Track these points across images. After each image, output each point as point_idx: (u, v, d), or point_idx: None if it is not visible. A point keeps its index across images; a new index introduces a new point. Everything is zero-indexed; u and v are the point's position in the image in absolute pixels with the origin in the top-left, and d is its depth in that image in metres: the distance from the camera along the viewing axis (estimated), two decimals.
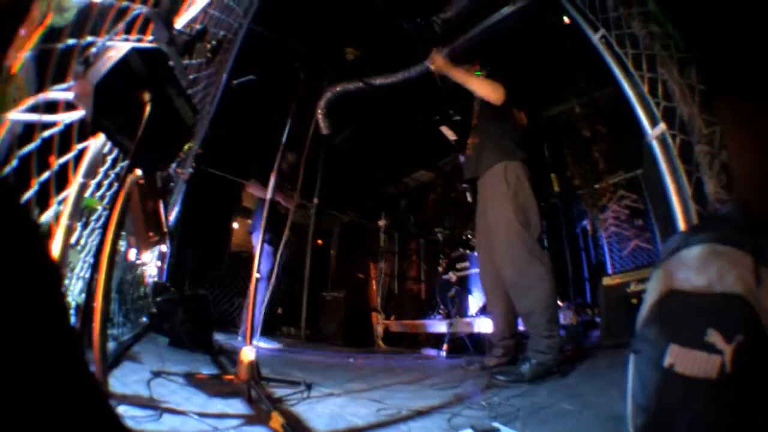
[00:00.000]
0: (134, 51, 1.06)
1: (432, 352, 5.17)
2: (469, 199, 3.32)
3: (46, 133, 1.41)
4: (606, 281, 3.79)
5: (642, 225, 5.44)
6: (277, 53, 4.53)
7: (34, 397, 0.64)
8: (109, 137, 1.16)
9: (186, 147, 3.16)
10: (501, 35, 5.39)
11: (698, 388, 1.14)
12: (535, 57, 5.95)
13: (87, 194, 1.73)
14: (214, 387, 2.31)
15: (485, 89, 3.16)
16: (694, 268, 1.28)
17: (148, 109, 1.09)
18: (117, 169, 2.11)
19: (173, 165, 3.01)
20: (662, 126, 2.33)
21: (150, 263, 3.69)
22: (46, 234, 1.65)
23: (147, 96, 1.10)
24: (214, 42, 2.14)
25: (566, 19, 4.68)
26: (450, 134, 3.41)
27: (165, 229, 2.75)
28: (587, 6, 2.97)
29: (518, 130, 3.26)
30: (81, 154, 1.64)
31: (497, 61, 3.40)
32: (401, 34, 5.26)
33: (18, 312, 0.66)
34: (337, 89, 6.53)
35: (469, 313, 5.60)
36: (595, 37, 2.88)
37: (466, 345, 5.13)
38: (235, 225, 7.64)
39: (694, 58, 2.19)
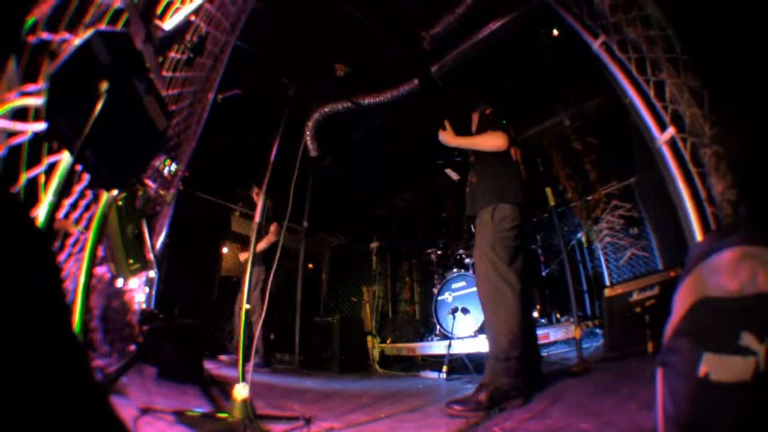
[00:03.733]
0: (98, 35, 0.89)
1: (431, 374, 5.02)
2: (474, 230, 3.45)
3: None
4: (608, 292, 3.71)
5: (637, 233, 5.41)
6: (265, 69, 4.48)
7: (36, 397, 0.65)
8: (64, 144, 0.95)
9: (166, 163, 3.04)
10: (488, 51, 5.40)
11: (735, 393, 1.11)
12: (524, 71, 5.97)
13: (61, 215, 1.58)
14: (207, 426, 2.18)
15: (489, 144, 3.39)
16: (725, 273, 1.24)
17: (102, 100, 0.90)
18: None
19: (154, 185, 2.88)
20: (671, 130, 2.26)
21: (137, 289, 3.54)
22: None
23: (104, 86, 0.91)
24: (194, 40, 2.01)
25: (555, 32, 4.68)
26: (453, 175, 3.59)
27: (149, 255, 2.63)
28: (585, 13, 2.93)
29: (513, 169, 3.40)
30: (52, 168, 1.46)
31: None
32: (390, 51, 5.25)
33: (21, 314, 0.68)
34: (326, 110, 6.48)
35: (468, 333, 5.48)
36: (596, 44, 2.83)
37: (465, 365, 5.01)
38: (225, 250, 7.48)
39: (696, 60, 2.14)
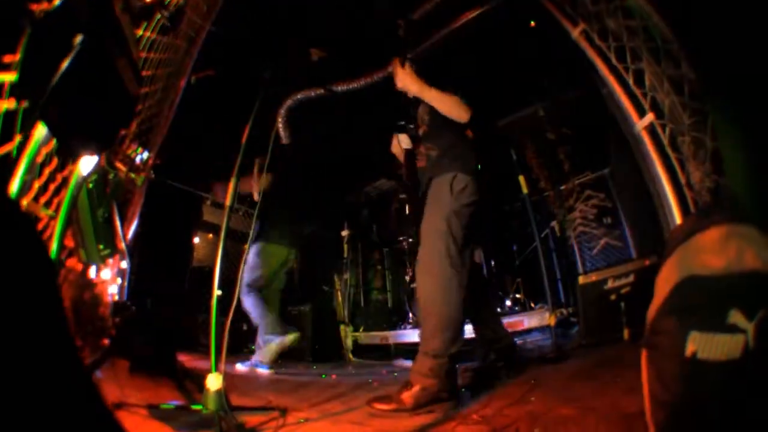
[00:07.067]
0: None
1: (406, 362, 5.03)
2: (407, 211, 3.10)
3: None
4: (582, 280, 3.77)
5: (611, 223, 5.48)
6: (240, 53, 4.40)
7: (31, 395, 0.65)
8: (31, 97, 0.88)
9: (138, 150, 2.95)
10: (464, 39, 5.39)
11: (724, 371, 1.12)
12: (498, 60, 5.98)
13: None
14: (182, 419, 2.12)
15: (455, 109, 2.94)
16: (712, 251, 1.25)
17: (72, 53, 0.83)
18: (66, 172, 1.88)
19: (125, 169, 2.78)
20: (650, 116, 2.28)
21: (110, 281, 3.43)
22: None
23: (78, 39, 0.84)
24: (172, 10, 1.93)
25: (532, 23, 4.69)
26: (405, 142, 3.17)
27: (120, 242, 2.54)
28: (565, 1, 2.94)
29: (467, 140, 3.11)
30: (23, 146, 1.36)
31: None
32: (364, 38, 5.20)
33: (17, 311, 0.67)
34: (299, 96, 6.40)
35: None
36: (575, 32, 2.83)
37: None
38: (197, 240, 7.35)
39: (677, 49, 2.15)
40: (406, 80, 3.00)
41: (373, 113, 6.73)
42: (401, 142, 3.18)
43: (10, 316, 0.66)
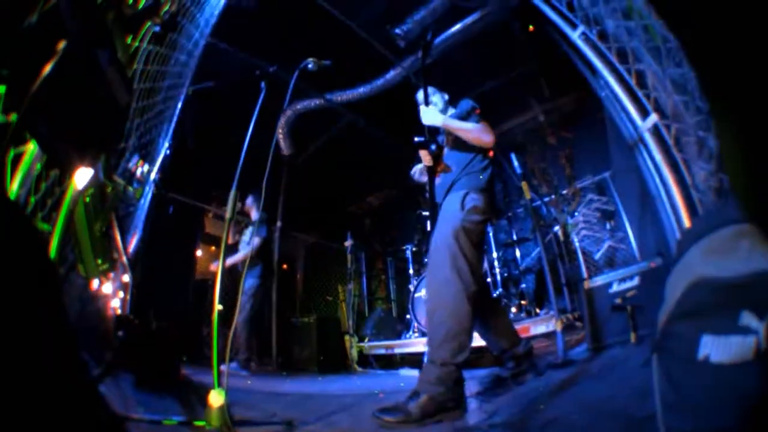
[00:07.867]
0: None
1: (412, 371, 5.00)
2: (429, 227, 3.14)
3: None
4: (587, 284, 3.73)
5: (614, 226, 5.46)
6: (237, 63, 4.41)
7: (33, 394, 0.66)
8: (25, 124, 0.85)
9: (138, 163, 2.93)
10: (462, 45, 5.39)
11: (737, 374, 1.08)
12: (498, 67, 5.99)
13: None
14: None
15: (480, 138, 3.06)
16: (722, 252, 1.22)
17: (55, 59, 0.80)
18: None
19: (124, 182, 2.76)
20: (654, 116, 2.26)
21: (112, 295, 3.40)
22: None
23: (61, 45, 0.82)
24: (165, 17, 1.89)
25: (531, 27, 4.69)
26: (426, 159, 3.20)
27: (121, 256, 2.51)
28: (564, 5, 2.93)
29: (486, 159, 3.21)
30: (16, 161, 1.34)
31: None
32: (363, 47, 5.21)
33: (20, 311, 0.68)
34: (298, 107, 6.39)
35: None
36: (575, 35, 2.82)
37: None
38: (199, 252, 7.33)
39: (679, 48, 2.13)
40: (431, 116, 3.13)
41: (374, 121, 6.77)
42: (422, 159, 3.22)
43: (14, 320, 0.66)
